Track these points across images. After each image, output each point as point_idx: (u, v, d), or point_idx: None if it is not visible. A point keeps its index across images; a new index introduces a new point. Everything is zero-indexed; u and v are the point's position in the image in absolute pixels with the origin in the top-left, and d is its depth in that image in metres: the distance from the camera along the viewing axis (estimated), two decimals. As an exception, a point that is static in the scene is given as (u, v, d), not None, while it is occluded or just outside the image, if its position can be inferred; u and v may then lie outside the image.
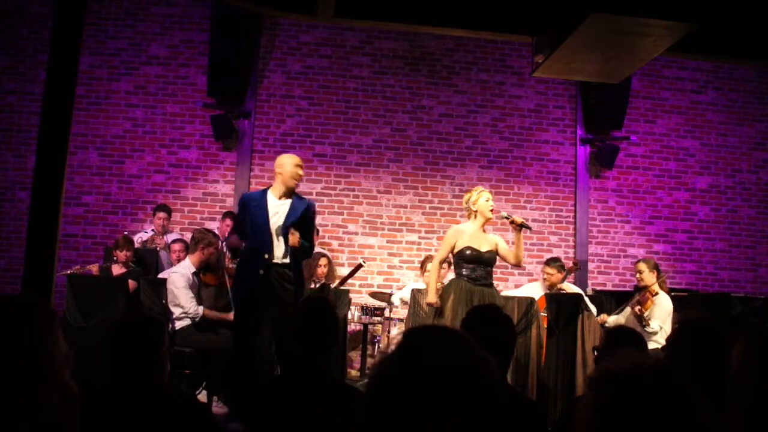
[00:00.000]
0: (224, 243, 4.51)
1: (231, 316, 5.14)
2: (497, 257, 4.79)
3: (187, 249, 5.64)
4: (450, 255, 4.85)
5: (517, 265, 4.91)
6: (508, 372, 4.50)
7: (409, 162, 8.05)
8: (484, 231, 4.81)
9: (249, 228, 4.42)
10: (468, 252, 4.65)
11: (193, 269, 5.20)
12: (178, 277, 5.12)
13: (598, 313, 5.74)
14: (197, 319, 5.07)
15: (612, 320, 5.60)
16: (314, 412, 2.34)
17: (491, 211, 4.77)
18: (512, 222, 4.72)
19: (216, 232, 7.07)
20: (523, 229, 4.72)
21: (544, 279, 6.21)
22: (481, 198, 4.76)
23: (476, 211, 4.76)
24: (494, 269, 4.90)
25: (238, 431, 4.30)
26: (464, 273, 4.68)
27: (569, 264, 6.68)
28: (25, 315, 1.06)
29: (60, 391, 1.04)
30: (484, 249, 4.68)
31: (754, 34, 4.86)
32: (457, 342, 1.00)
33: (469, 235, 4.73)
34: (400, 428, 0.93)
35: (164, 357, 2.22)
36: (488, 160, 8.15)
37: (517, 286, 7.35)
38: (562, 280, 6.25)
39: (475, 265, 4.65)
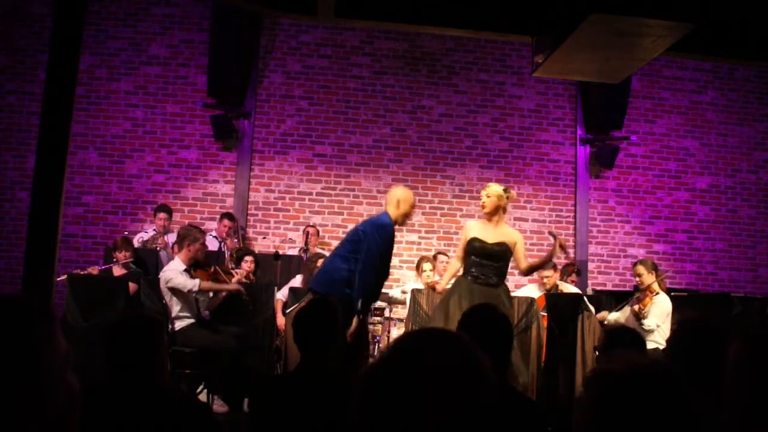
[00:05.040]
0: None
1: (231, 286, 5.20)
2: (510, 253, 4.62)
3: None
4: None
5: (522, 274, 4.86)
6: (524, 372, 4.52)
7: (409, 162, 8.05)
8: (496, 224, 4.64)
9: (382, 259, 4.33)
10: (475, 244, 4.55)
11: (183, 267, 5.15)
12: (171, 272, 5.09)
13: (598, 312, 5.74)
14: (195, 289, 4.98)
15: (612, 318, 5.60)
16: (315, 410, 2.35)
17: (483, 205, 4.67)
18: (555, 240, 4.66)
19: (213, 232, 7.09)
20: (559, 249, 4.65)
21: (543, 283, 6.21)
22: (482, 192, 4.74)
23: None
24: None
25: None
26: (471, 270, 4.56)
27: (570, 268, 6.69)
28: (23, 315, 1.06)
29: (63, 390, 1.04)
30: (491, 241, 4.55)
31: (754, 34, 4.86)
32: (448, 343, 1.00)
33: (477, 227, 4.68)
34: (392, 428, 0.93)
35: (164, 357, 2.22)
36: (488, 160, 8.15)
37: (517, 287, 7.35)
38: (561, 278, 6.26)
39: (482, 260, 4.53)
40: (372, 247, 4.22)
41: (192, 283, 4.98)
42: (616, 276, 8.17)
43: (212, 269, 5.30)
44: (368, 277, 4.23)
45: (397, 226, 4.44)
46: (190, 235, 5.20)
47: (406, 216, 4.46)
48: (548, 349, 5.19)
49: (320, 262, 6.46)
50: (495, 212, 4.63)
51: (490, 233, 4.59)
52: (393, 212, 4.40)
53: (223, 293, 5.33)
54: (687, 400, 1.01)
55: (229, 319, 5.28)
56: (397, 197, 4.42)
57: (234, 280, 5.40)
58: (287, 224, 7.86)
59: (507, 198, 4.67)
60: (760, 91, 8.58)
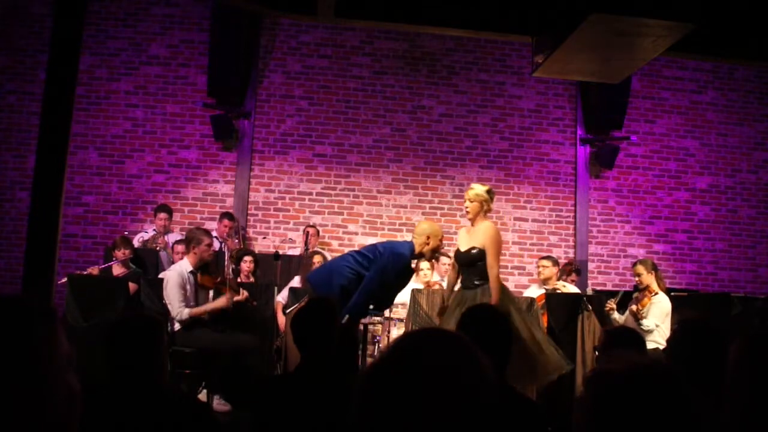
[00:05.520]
0: None
1: (218, 303, 5.06)
2: (482, 253, 4.34)
3: None
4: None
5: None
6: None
7: (409, 162, 8.05)
8: (474, 225, 4.49)
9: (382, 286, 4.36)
10: (456, 254, 4.57)
11: (190, 268, 5.13)
12: (174, 275, 5.04)
13: (602, 308, 5.69)
14: (184, 321, 4.92)
15: (617, 317, 5.58)
16: (315, 410, 2.35)
17: (465, 211, 4.57)
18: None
19: (213, 232, 7.08)
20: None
21: (539, 273, 6.22)
22: (465, 195, 4.63)
23: None
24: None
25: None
26: (461, 278, 4.57)
27: (568, 267, 6.69)
28: (23, 315, 1.06)
29: (63, 390, 1.04)
30: (463, 248, 4.48)
31: (754, 34, 4.86)
32: (448, 343, 1.00)
33: (461, 235, 4.63)
34: (392, 428, 0.93)
35: (164, 357, 2.22)
36: (488, 160, 8.15)
37: (517, 287, 7.35)
38: (558, 277, 6.25)
39: (462, 267, 4.51)
40: (379, 269, 4.28)
41: (177, 312, 4.91)
42: (616, 276, 8.16)
43: (219, 279, 5.22)
44: (360, 297, 4.28)
45: (425, 259, 4.61)
46: (195, 237, 5.18)
47: (435, 251, 4.54)
48: (548, 349, 5.18)
49: (316, 258, 6.47)
50: (477, 216, 4.51)
51: (466, 239, 4.52)
52: (418, 245, 4.45)
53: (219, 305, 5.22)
54: (687, 400, 1.01)
55: (229, 320, 5.26)
56: (426, 233, 4.46)
57: (237, 298, 5.26)
58: (287, 224, 7.86)
59: (491, 198, 4.53)
60: (760, 91, 8.57)
